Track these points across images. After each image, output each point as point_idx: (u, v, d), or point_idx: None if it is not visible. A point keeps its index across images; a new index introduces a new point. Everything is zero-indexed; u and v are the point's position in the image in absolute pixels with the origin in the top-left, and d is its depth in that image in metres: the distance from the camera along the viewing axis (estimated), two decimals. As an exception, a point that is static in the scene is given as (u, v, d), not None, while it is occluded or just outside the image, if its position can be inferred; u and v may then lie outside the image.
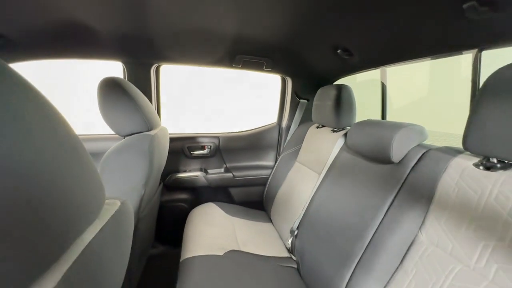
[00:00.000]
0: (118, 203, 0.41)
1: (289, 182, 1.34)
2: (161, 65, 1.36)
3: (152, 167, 0.90)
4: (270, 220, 1.40)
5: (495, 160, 0.54)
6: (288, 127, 1.64)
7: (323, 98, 1.22)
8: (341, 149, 1.07)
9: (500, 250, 0.48)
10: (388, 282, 0.64)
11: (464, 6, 0.56)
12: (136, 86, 1.02)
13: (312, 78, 1.51)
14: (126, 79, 1.29)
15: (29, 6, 0.81)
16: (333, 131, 1.20)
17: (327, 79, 1.46)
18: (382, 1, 0.68)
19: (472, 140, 0.55)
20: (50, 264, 0.24)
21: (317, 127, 1.34)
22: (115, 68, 1.32)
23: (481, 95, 0.53)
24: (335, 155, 1.08)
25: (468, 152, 0.62)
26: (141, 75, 1.31)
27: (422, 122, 0.83)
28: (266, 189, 1.51)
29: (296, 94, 1.58)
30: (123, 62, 1.27)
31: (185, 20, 0.95)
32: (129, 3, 0.82)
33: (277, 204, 1.36)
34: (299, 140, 1.43)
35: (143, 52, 1.22)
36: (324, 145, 1.19)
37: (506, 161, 0.53)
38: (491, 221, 0.50)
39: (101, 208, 0.35)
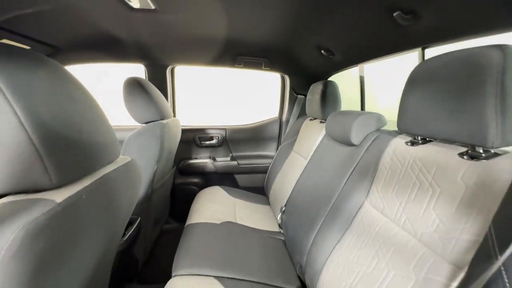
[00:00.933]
0: (129, 159, 0.62)
1: (285, 169, 1.50)
2: (175, 66, 1.60)
3: (163, 149, 1.12)
4: (269, 204, 1.57)
5: (419, 138, 0.67)
6: (288, 121, 1.80)
7: (314, 93, 1.37)
8: (324, 137, 1.21)
9: (408, 205, 0.62)
10: (340, 239, 0.79)
11: (394, 14, 0.69)
12: (155, 85, 1.26)
13: (307, 76, 1.66)
14: (147, 78, 1.54)
15: (74, 22, 1.06)
16: (321, 122, 1.34)
17: (320, 76, 1.60)
18: (341, 8, 0.83)
19: (401, 122, 0.69)
20: (85, 175, 0.45)
21: (310, 120, 1.49)
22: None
23: (406, 86, 0.67)
24: (319, 142, 1.23)
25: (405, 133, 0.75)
26: (159, 75, 1.55)
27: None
28: (267, 176, 1.69)
29: (293, 90, 1.74)
30: (144, 65, 1.53)
31: (193, 28, 1.16)
32: (148, 19, 1.04)
33: (274, 188, 1.53)
34: (295, 132, 1.59)
35: (159, 56, 1.46)
36: (312, 135, 1.34)
37: (427, 138, 0.66)
38: (405, 184, 0.64)
39: (116, 157, 0.56)
